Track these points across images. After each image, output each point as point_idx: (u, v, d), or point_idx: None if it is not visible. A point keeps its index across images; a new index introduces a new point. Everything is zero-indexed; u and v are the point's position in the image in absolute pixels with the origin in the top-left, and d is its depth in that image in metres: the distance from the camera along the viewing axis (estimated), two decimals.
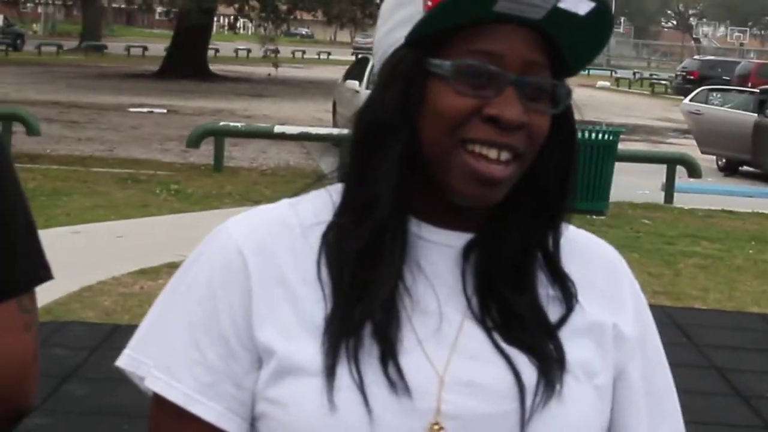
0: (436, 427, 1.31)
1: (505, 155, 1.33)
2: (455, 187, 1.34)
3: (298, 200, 1.46)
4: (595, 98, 39.09)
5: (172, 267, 9.29)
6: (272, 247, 1.39)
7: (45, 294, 8.13)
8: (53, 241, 9.95)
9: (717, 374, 7.22)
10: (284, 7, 42.06)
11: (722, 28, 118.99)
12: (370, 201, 1.37)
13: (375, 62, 1.45)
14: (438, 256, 1.41)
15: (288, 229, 1.41)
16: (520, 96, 1.33)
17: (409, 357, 1.33)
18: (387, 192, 1.36)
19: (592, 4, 1.32)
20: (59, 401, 5.87)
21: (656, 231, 12.97)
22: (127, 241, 10.39)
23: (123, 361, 1.42)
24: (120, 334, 7.21)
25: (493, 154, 1.33)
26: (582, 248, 1.51)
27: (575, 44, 1.37)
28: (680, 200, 15.61)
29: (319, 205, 1.43)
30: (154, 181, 14.50)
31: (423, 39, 1.35)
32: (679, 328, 8.18)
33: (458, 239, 1.42)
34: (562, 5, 1.31)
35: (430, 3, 1.35)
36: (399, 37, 1.38)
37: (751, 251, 12.09)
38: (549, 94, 1.36)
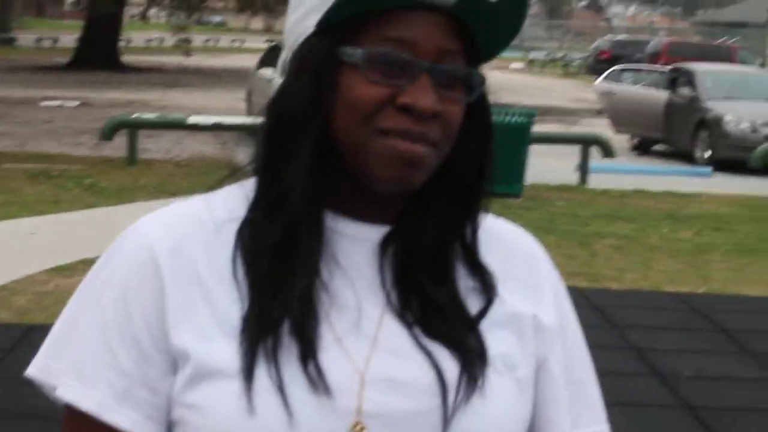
0: (357, 426, 1.29)
1: (418, 144, 1.31)
2: (375, 172, 1.32)
3: (212, 196, 1.43)
4: (509, 81, 39.28)
5: (88, 264, 9.12)
6: (186, 246, 1.36)
7: None
8: None
9: (635, 354, 7.29)
10: None
11: (632, 8, 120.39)
12: (282, 194, 1.34)
13: (286, 50, 1.41)
14: (355, 249, 1.38)
15: (202, 226, 1.38)
16: (434, 84, 1.31)
17: (328, 354, 1.30)
18: (300, 184, 1.33)
19: None
20: None
21: (571, 212, 13.09)
22: (40, 239, 10.25)
23: (33, 370, 1.38)
24: (36, 334, 7.08)
25: (407, 141, 1.30)
26: (501, 238, 1.49)
27: (489, 30, 1.35)
28: (595, 181, 15.74)
29: (233, 201, 1.40)
30: (66, 175, 14.31)
31: (334, 26, 1.32)
32: (596, 309, 8.25)
33: (375, 232, 1.39)
34: None
35: None
36: (310, 24, 1.35)
37: (665, 230, 12.25)
38: (463, 81, 1.35)
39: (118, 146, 16.35)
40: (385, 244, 1.39)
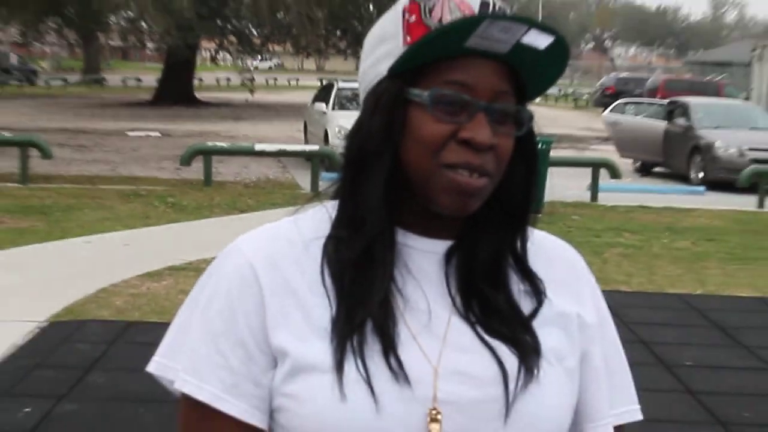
0: (434, 412, 1.29)
1: (475, 176, 1.32)
2: (439, 200, 1.33)
3: (299, 217, 1.44)
4: None
5: (173, 270, 9.24)
6: (280, 261, 1.37)
7: (66, 297, 8.10)
8: (70, 250, 9.92)
9: (643, 347, 7.24)
10: (258, 41, 41.98)
11: (633, 49, 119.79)
12: (362, 215, 1.35)
13: (360, 92, 1.43)
14: (424, 261, 1.39)
15: (292, 244, 1.39)
16: (489, 121, 1.32)
17: (406, 350, 1.31)
18: (376, 207, 1.34)
19: (551, 39, 1.31)
20: (84, 390, 5.82)
21: (585, 226, 13.01)
22: (132, 249, 10.30)
23: (153, 367, 1.40)
24: (132, 330, 7.16)
25: (466, 174, 1.31)
26: (546, 249, 1.51)
27: (536, 73, 1.36)
28: (604, 198, 15.67)
29: (318, 220, 1.42)
30: (153, 195, 14.40)
31: (403, 71, 1.33)
32: (608, 309, 8.18)
33: (440, 246, 1.41)
34: (524, 40, 1.30)
35: (409, 39, 1.34)
36: (382, 69, 1.36)
37: (665, 240, 12.15)
38: (513, 118, 1.35)
39: (194, 170, 16.45)
40: (449, 256, 1.40)
